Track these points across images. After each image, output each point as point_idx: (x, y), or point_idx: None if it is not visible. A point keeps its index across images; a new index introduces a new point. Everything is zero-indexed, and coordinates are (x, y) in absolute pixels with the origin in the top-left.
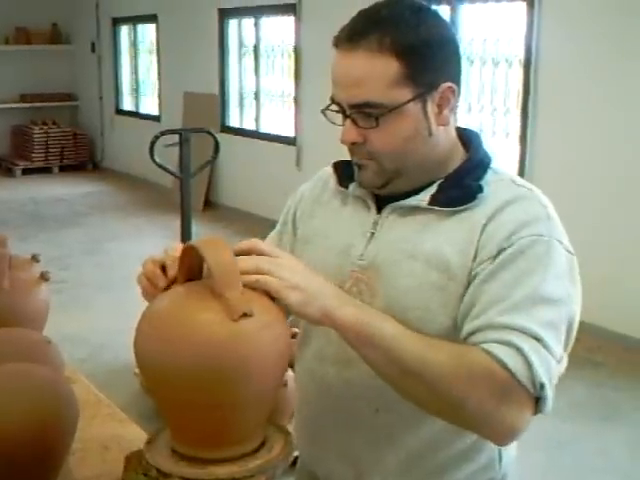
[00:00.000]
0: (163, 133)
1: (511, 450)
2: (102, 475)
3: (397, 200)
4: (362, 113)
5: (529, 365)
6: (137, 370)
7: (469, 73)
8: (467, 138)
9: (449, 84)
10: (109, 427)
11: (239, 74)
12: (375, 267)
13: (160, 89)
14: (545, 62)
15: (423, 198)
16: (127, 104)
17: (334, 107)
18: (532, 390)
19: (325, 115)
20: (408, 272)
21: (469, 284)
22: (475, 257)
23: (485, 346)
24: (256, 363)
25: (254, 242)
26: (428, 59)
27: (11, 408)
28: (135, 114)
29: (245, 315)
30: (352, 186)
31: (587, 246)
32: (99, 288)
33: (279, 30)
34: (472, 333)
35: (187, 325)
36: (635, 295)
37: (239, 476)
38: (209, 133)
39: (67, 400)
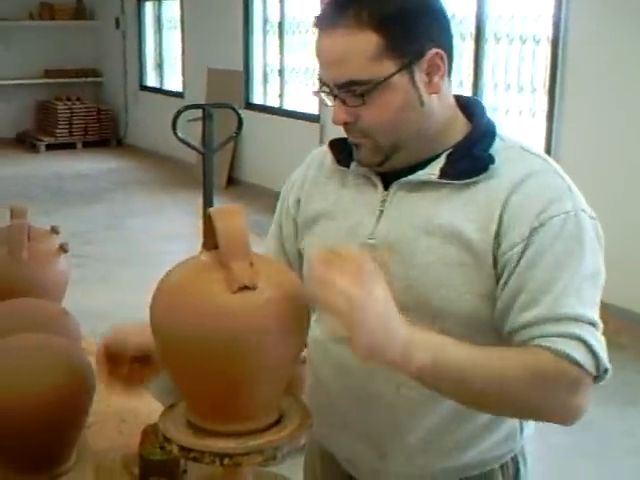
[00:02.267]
0: (186, 108)
1: (531, 421)
2: (119, 447)
3: (403, 176)
4: (349, 92)
5: (593, 354)
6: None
7: (496, 51)
8: (468, 106)
9: (436, 50)
10: (126, 400)
11: (263, 50)
12: (389, 245)
13: (184, 65)
14: (573, 40)
15: (432, 172)
16: (151, 80)
17: (325, 88)
18: (597, 374)
19: (318, 96)
20: (426, 249)
21: (497, 263)
22: (498, 234)
23: (549, 343)
24: (259, 337)
25: (361, 260)
26: (409, 28)
27: (29, 378)
28: (159, 90)
29: (246, 288)
30: (353, 165)
31: (611, 226)
32: (121, 263)
33: (304, 6)
34: (528, 326)
35: (194, 295)
36: None
37: (233, 452)
38: (232, 108)
39: (83, 370)
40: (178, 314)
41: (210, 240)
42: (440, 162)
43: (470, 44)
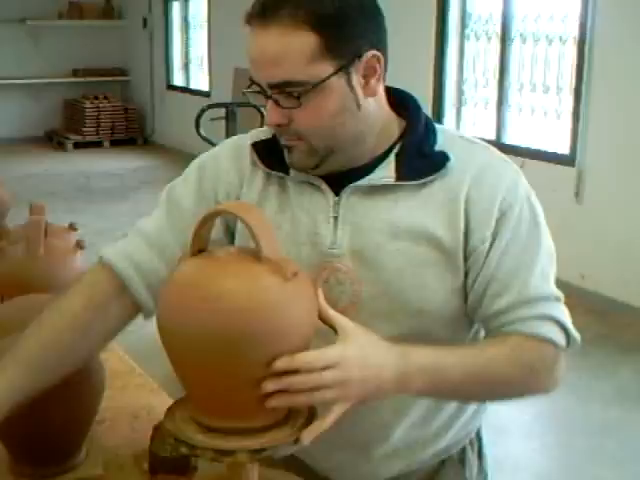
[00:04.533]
0: (210, 106)
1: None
2: (130, 444)
3: (347, 179)
4: (283, 93)
5: (565, 329)
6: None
7: (522, 51)
8: (400, 101)
9: (373, 52)
10: (140, 397)
11: None
12: (354, 254)
13: (210, 64)
14: (600, 41)
15: (386, 174)
16: (178, 79)
17: (255, 88)
18: (568, 346)
19: (247, 96)
20: (395, 252)
21: (467, 258)
22: (467, 230)
23: (525, 328)
24: (267, 334)
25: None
26: (347, 28)
27: None
28: (185, 89)
29: (295, 275)
30: (292, 171)
31: (636, 229)
32: None
33: None
34: (502, 312)
35: (210, 293)
36: None
37: (234, 450)
38: (255, 107)
39: (93, 366)
40: (183, 312)
41: (197, 244)
42: (389, 164)
43: (496, 44)
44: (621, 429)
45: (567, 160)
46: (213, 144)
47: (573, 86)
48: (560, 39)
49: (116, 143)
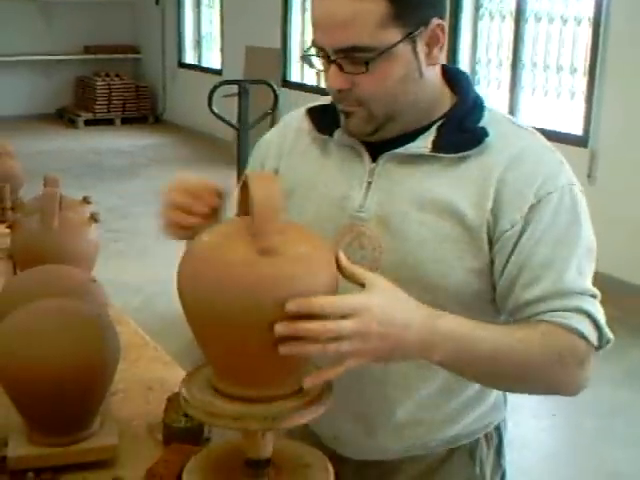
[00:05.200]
0: (222, 83)
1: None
2: (144, 415)
3: (387, 146)
4: (349, 58)
5: (598, 326)
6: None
7: (536, 30)
8: (454, 78)
9: (438, 21)
10: (154, 369)
11: (302, 28)
12: (380, 219)
13: (222, 43)
14: (615, 21)
15: (424, 145)
16: (189, 57)
17: (318, 52)
18: (600, 346)
19: (306, 61)
20: (419, 223)
21: (492, 240)
22: (495, 211)
23: (559, 319)
24: (281, 305)
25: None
26: None
27: (57, 341)
28: (197, 67)
29: (271, 252)
30: (337, 133)
31: None
32: (156, 238)
33: None
34: (534, 302)
35: (217, 261)
36: None
37: (243, 416)
38: (268, 84)
39: (108, 335)
40: (201, 279)
41: (244, 207)
42: (431, 135)
43: (510, 23)
44: (630, 410)
45: (580, 141)
46: (226, 121)
47: (587, 67)
48: (575, 19)
49: (127, 121)
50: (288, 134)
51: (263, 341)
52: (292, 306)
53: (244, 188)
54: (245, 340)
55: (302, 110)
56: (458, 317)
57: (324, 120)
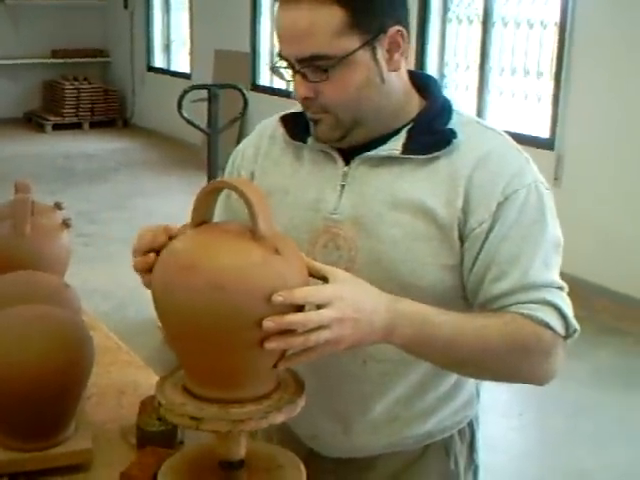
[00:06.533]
0: (192, 88)
1: (488, 387)
2: (117, 419)
3: (361, 151)
4: (311, 67)
5: (564, 317)
6: (160, 324)
7: (503, 34)
8: (422, 82)
9: (397, 27)
10: (127, 373)
11: (271, 33)
12: (354, 220)
13: (192, 46)
14: (580, 25)
15: (395, 147)
16: (158, 61)
17: (283, 63)
18: (567, 336)
19: (275, 72)
20: (393, 223)
21: (463, 238)
22: (465, 209)
23: (524, 310)
24: (260, 308)
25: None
26: (373, 4)
27: (29, 347)
28: (166, 71)
29: (277, 252)
30: (310, 140)
31: (615, 213)
32: (126, 243)
33: None
34: (501, 296)
35: (194, 267)
36: None
37: (193, 415)
38: (237, 89)
39: (83, 340)
40: (187, 286)
41: (198, 215)
42: (401, 138)
43: (477, 27)
44: (596, 409)
45: (547, 144)
46: (196, 126)
47: (553, 71)
48: (541, 24)
49: (96, 125)
50: (263, 141)
51: (247, 341)
52: (278, 298)
53: (208, 195)
54: (228, 342)
55: (276, 117)
56: (419, 303)
57: (297, 127)
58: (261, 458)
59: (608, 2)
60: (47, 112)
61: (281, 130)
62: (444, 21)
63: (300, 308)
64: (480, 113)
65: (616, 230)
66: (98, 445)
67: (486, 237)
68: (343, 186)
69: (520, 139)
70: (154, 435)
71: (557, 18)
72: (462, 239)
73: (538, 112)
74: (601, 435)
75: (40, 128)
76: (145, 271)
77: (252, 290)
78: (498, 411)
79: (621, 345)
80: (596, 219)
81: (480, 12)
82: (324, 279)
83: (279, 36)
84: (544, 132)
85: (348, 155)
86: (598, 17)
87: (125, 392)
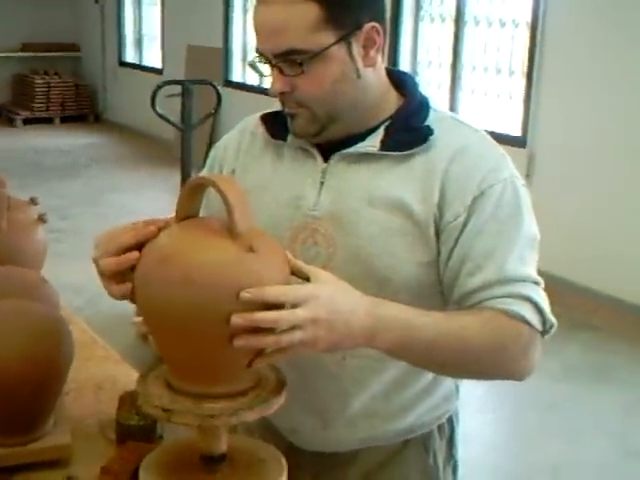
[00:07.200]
0: (165, 83)
1: (463, 383)
2: (96, 414)
3: (340, 148)
4: (287, 61)
5: (541, 312)
6: (134, 319)
7: (475, 33)
8: (399, 80)
9: (373, 24)
10: (104, 368)
11: (243, 28)
12: (332, 217)
13: (163, 41)
14: (552, 24)
15: (372, 144)
16: (130, 56)
17: (260, 58)
18: (544, 331)
19: (252, 67)
20: (370, 219)
21: (439, 232)
22: (440, 204)
23: (501, 305)
24: (239, 304)
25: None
26: (348, 0)
27: (9, 343)
28: (138, 66)
29: (251, 250)
30: (290, 137)
31: (585, 211)
32: None
33: None
34: (476, 290)
35: (175, 262)
36: (634, 260)
37: (167, 408)
38: (211, 85)
39: (63, 335)
40: (155, 278)
41: (182, 210)
42: (379, 134)
43: (450, 26)
44: (568, 404)
45: (519, 142)
46: (169, 121)
47: (525, 69)
48: (513, 22)
49: (67, 120)
50: (244, 138)
51: (219, 337)
52: (247, 295)
53: (192, 191)
54: (201, 337)
55: (257, 115)
56: (400, 305)
57: (277, 126)
58: (242, 452)
59: (579, 2)
60: (17, 106)
61: (261, 129)
62: (417, 19)
63: (279, 308)
64: (452, 111)
65: (587, 227)
66: (77, 440)
67: (461, 231)
68: (322, 183)
69: (492, 137)
70: (133, 430)
71: (528, 17)
72: (438, 234)
73: (510, 110)
74: (572, 429)
75: (10, 122)
76: (127, 271)
77: (223, 286)
78: (474, 406)
79: (592, 340)
80: (567, 216)
81: (452, 11)
82: (307, 279)
83: (256, 31)
84: (516, 130)
85: (327, 152)
86: (569, 17)
87: (103, 387)
